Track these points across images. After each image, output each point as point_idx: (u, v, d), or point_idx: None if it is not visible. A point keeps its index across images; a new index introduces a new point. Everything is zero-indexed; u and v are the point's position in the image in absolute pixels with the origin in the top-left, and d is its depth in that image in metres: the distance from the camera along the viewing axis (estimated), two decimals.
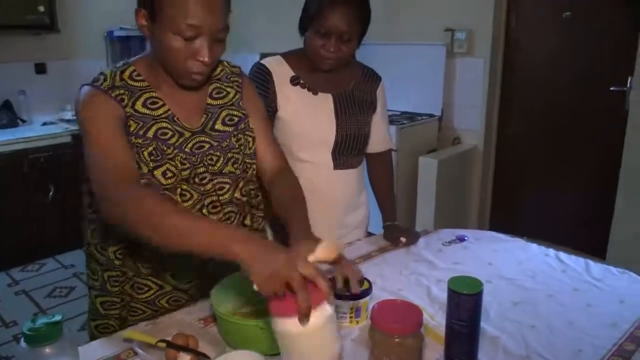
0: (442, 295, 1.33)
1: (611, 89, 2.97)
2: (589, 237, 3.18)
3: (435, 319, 1.20)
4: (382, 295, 1.27)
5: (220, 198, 1.22)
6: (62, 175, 3.60)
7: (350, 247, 1.67)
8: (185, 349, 1.04)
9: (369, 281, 1.23)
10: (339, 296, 1.19)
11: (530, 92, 3.39)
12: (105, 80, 1.12)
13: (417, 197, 3.29)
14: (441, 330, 1.14)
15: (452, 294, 1.01)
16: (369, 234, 1.83)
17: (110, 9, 4.17)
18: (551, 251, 1.61)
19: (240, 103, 1.28)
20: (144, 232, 0.97)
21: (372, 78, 1.70)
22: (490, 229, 2.91)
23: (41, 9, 3.68)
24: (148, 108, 1.14)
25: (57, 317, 0.86)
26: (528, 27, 3.34)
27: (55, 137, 3.66)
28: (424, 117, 3.52)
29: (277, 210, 1.23)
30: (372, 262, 1.56)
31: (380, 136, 1.75)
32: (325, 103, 1.60)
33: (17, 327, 2.88)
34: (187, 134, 1.17)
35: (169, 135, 1.14)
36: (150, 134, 1.13)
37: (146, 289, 1.26)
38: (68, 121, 3.93)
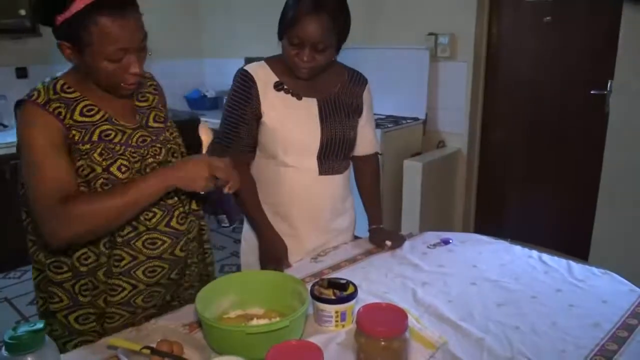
0: (428, 298, 1.34)
1: (592, 92, 3.02)
2: (571, 239, 3.22)
3: (421, 321, 1.21)
4: (367, 299, 1.28)
5: None
6: None
7: (336, 251, 1.67)
8: (170, 355, 1.03)
9: (354, 284, 1.24)
10: (324, 300, 1.19)
11: (513, 95, 3.43)
12: (39, 95, 1.16)
13: (402, 200, 3.30)
14: (427, 333, 1.15)
15: None
16: (355, 238, 1.83)
17: None
18: (534, 253, 1.63)
19: (160, 106, 1.38)
20: (102, 228, 1.16)
21: (358, 81, 1.69)
22: (475, 232, 2.95)
23: (22, 12, 3.62)
24: (86, 116, 1.19)
25: (39, 325, 0.85)
26: (510, 31, 3.38)
27: None
28: (408, 121, 3.54)
29: None
30: (357, 265, 1.57)
31: (367, 139, 1.75)
32: (309, 108, 1.59)
33: None
34: (129, 131, 1.25)
35: (112, 135, 1.21)
36: (95, 137, 1.18)
37: (119, 289, 1.25)
38: None
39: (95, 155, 1.17)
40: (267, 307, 1.25)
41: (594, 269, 1.50)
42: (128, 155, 1.21)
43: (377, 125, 3.11)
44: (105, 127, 1.20)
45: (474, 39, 3.34)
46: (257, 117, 1.57)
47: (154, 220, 1.24)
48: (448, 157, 3.51)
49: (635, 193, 2.73)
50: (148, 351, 1.04)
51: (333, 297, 1.19)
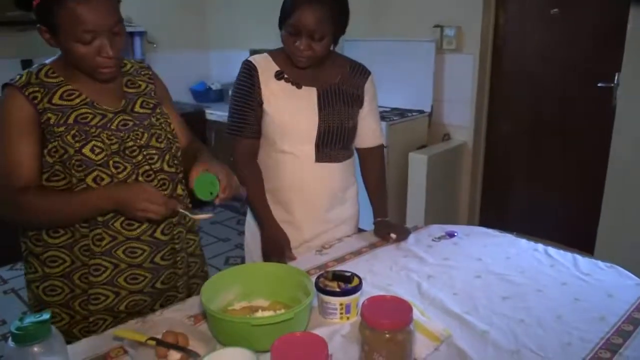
0: (433, 290, 1.34)
1: (599, 85, 3.00)
2: (577, 232, 3.20)
3: (426, 314, 1.21)
4: (372, 291, 1.28)
5: (153, 167, 1.31)
6: None
7: (340, 243, 1.68)
8: (175, 346, 1.04)
9: (359, 277, 1.24)
10: (329, 292, 1.19)
11: (519, 88, 3.40)
12: (21, 78, 1.22)
13: (408, 193, 3.30)
14: (431, 326, 1.15)
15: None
16: (360, 230, 1.83)
17: None
18: (540, 246, 1.62)
19: (153, 93, 1.40)
20: (47, 225, 1.24)
21: (361, 73, 1.71)
22: (480, 225, 2.94)
23: None
24: (65, 100, 1.23)
25: (46, 316, 0.85)
26: (516, 23, 3.35)
27: None
28: (413, 113, 3.53)
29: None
30: (362, 258, 1.57)
31: (370, 131, 1.75)
32: (308, 96, 1.62)
33: (6, 327, 2.86)
34: (110, 115, 1.27)
35: (89, 118, 1.24)
36: (70, 120, 1.22)
37: (102, 269, 1.26)
38: None
39: (69, 137, 1.20)
40: (272, 299, 1.26)
41: (600, 263, 1.50)
42: (104, 138, 1.23)
43: (383, 118, 3.11)
44: (83, 110, 1.24)
45: (480, 31, 3.32)
46: (260, 103, 1.61)
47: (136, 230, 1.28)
48: (453, 150, 3.49)
49: None
50: (154, 342, 1.04)
51: (338, 290, 1.20)
